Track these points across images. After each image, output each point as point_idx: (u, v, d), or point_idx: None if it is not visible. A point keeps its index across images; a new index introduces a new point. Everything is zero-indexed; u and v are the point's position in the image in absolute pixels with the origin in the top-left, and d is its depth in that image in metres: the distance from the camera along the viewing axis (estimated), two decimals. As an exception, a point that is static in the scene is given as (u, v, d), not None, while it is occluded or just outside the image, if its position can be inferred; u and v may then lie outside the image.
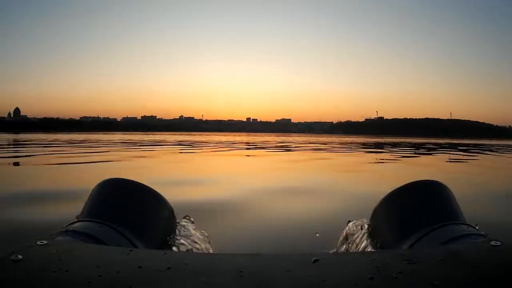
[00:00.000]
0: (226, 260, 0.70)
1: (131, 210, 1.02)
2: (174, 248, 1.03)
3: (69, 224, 0.91)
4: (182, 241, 1.06)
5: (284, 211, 3.55)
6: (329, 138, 38.95)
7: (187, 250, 1.05)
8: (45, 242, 0.74)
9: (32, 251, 0.70)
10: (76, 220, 0.94)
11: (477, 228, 0.89)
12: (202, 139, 27.94)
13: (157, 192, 1.08)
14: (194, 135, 48.32)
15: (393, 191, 1.06)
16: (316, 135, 68.14)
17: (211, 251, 1.09)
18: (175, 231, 1.10)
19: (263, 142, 24.92)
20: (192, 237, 1.08)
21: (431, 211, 0.97)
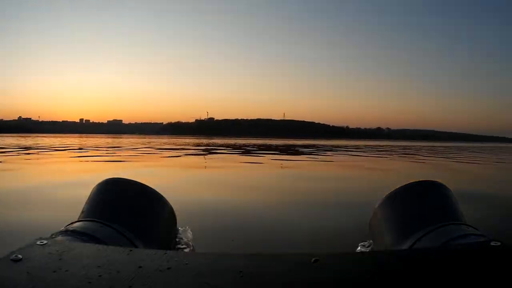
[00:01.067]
0: (226, 260, 0.70)
1: (131, 210, 1.01)
2: (174, 248, 1.04)
3: (69, 224, 0.91)
4: (182, 241, 1.07)
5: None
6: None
7: (187, 250, 1.06)
8: (45, 242, 0.74)
9: (32, 251, 0.70)
10: (76, 220, 0.93)
11: (477, 228, 0.90)
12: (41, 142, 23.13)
13: (157, 192, 1.08)
14: (31, 137, 42.90)
15: (393, 191, 1.06)
16: (148, 137, 65.07)
17: None
18: (175, 231, 1.10)
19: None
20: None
21: (431, 211, 0.98)
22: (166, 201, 1.09)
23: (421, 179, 1.07)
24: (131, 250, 0.76)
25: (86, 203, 1.01)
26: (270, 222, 2.77)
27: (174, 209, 1.14)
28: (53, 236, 0.81)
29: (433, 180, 1.08)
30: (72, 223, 0.91)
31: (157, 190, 1.09)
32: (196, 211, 2.88)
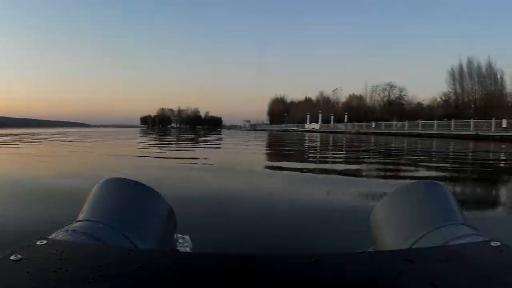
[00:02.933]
0: (226, 260, 0.70)
1: (132, 209, 1.02)
2: (174, 248, 1.06)
3: (69, 224, 0.91)
4: (182, 240, 1.10)
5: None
6: None
7: (187, 250, 1.08)
8: (45, 242, 0.74)
9: (32, 251, 0.70)
10: (76, 220, 0.94)
11: (477, 228, 0.90)
12: None
13: (157, 192, 1.08)
14: None
15: (393, 191, 1.07)
16: None
17: None
18: (175, 231, 1.10)
19: None
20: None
21: (431, 211, 0.98)
22: (166, 201, 1.10)
23: (420, 180, 1.09)
24: (131, 250, 0.76)
25: (86, 203, 1.01)
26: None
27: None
28: (53, 236, 0.81)
29: (432, 180, 1.09)
30: (72, 223, 0.92)
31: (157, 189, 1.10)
32: None
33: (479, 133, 32.88)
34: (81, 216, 0.95)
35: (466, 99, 63.97)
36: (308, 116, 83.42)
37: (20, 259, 0.65)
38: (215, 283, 0.61)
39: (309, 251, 0.74)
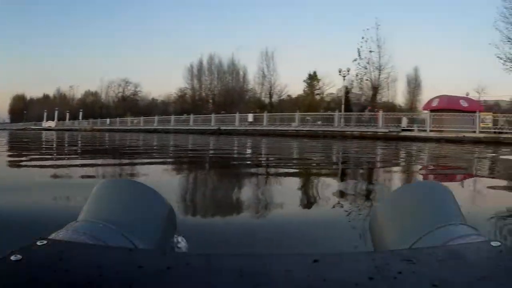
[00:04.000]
0: (226, 260, 0.69)
1: (132, 210, 1.01)
2: (174, 248, 1.06)
3: (69, 224, 0.90)
4: (182, 240, 1.10)
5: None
6: None
7: (187, 251, 1.08)
8: (45, 242, 0.73)
9: (32, 251, 0.69)
10: (76, 220, 0.93)
11: (476, 228, 0.89)
12: None
13: (158, 193, 1.07)
14: None
15: (392, 192, 1.08)
16: None
17: None
18: (175, 231, 1.11)
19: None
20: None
21: (431, 211, 0.98)
22: (166, 201, 1.09)
23: (420, 180, 1.09)
24: (131, 250, 0.77)
25: (86, 203, 1.01)
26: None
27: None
28: (53, 236, 0.80)
29: (432, 180, 1.13)
30: (72, 223, 0.91)
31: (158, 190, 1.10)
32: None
33: (221, 127, 35.53)
34: (81, 216, 0.95)
35: (204, 94, 66.41)
36: (45, 114, 77.74)
37: (20, 260, 0.64)
38: (215, 284, 0.61)
39: (308, 251, 0.73)
